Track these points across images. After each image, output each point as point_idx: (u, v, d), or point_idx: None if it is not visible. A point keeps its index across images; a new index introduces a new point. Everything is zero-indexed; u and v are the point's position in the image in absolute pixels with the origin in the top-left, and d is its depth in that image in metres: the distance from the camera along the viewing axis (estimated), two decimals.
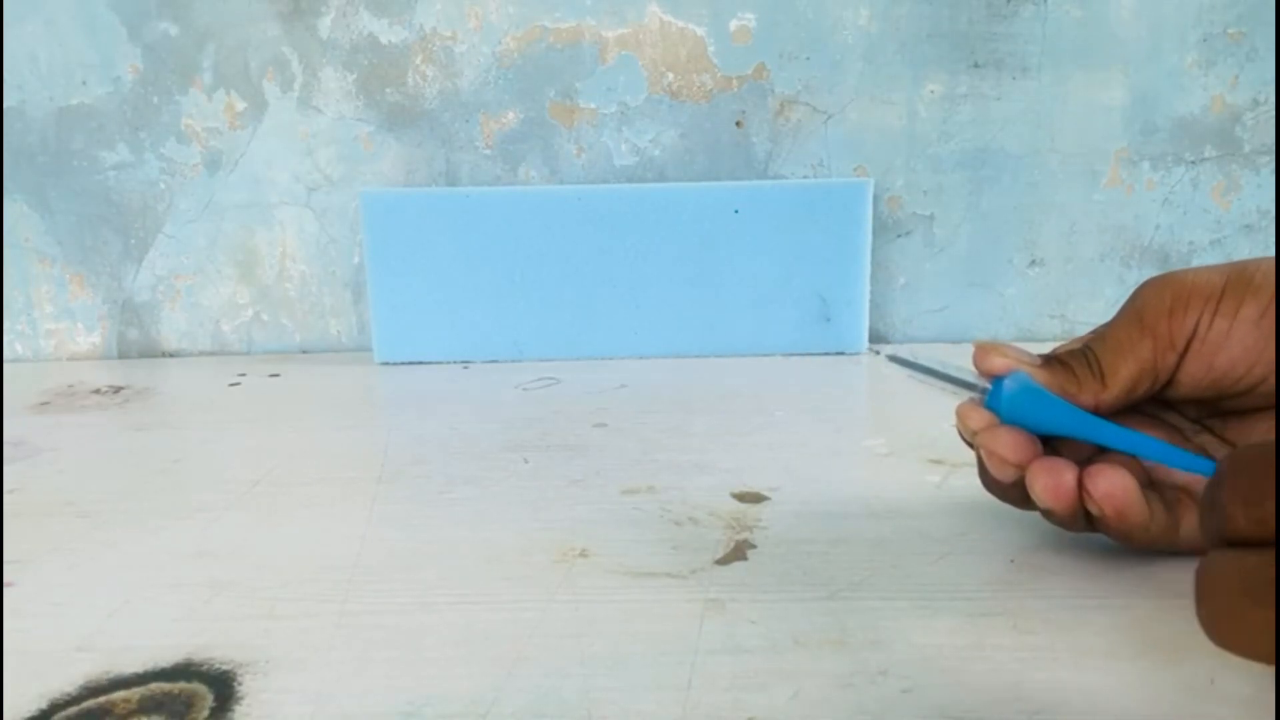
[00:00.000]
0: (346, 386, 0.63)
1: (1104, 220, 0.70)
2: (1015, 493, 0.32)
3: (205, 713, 0.25)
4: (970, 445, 0.33)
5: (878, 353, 0.32)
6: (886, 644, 0.28)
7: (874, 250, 0.68)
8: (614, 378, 0.62)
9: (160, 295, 0.73)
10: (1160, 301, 0.30)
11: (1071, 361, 0.32)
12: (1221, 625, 0.21)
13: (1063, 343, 0.34)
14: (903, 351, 0.35)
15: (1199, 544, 0.30)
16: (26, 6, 0.67)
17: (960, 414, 0.33)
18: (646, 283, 0.67)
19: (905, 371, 0.35)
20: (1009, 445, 0.31)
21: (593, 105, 0.68)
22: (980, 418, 0.32)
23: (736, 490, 0.40)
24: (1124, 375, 0.31)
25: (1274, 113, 0.67)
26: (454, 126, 0.69)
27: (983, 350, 0.33)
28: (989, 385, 0.32)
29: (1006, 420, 0.31)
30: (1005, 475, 0.31)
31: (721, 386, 0.59)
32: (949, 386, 0.34)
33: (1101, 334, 0.32)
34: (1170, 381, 0.31)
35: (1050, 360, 0.32)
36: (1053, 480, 0.30)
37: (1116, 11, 0.66)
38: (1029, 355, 0.32)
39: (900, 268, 0.71)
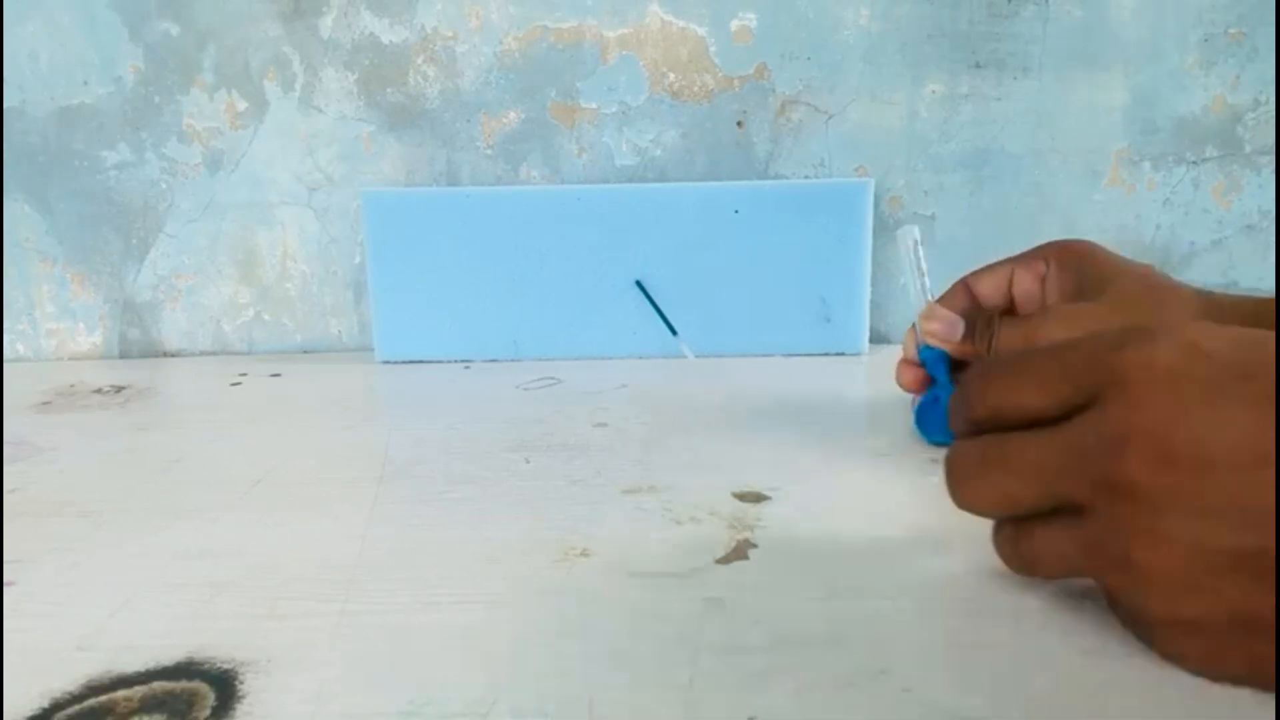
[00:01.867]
0: (347, 386, 0.63)
1: (1105, 220, 0.70)
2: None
3: (207, 711, 0.25)
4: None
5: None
6: (887, 643, 0.28)
7: (875, 250, 0.68)
8: (614, 377, 0.62)
9: (161, 295, 0.73)
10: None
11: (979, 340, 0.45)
12: (961, 491, 0.28)
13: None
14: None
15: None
16: (27, 6, 0.67)
17: (906, 341, 0.48)
18: (647, 283, 0.67)
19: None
20: (905, 375, 0.47)
21: (594, 105, 0.68)
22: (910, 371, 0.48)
23: (737, 490, 0.40)
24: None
25: (1274, 112, 0.67)
26: (455, 126, 0.69)
27: (924, 321, 0.46)
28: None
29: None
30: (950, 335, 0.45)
31: (722, 386, 0.59)
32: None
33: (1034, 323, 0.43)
34: None
35: (969, 335, 0.45)
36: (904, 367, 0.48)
37: (1117, 11, 0.66)
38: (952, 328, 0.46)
39: (901, 268, 0.71)
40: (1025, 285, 0.46)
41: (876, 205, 0.68)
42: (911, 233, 0.49)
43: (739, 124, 0.69)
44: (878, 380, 0.61)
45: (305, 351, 0.74)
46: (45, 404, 0.60)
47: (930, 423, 0.46)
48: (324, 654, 0.28)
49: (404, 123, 0.69)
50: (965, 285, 0.47)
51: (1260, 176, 0.69)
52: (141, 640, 0.29)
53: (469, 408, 0.56)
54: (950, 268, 0.71)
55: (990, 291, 0.46)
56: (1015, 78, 0.67)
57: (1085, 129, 0.68)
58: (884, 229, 0.69)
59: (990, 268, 0.47)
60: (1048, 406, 0.26)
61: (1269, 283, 0.70)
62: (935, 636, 0.28)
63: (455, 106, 0.69)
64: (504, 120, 0.69)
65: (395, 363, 0.68)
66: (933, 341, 0.45)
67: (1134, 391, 0.24)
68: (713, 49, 0.67)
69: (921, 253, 0.49)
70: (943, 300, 0.47)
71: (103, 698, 0.26)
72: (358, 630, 0.29)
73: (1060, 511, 0.26)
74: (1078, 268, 0.44)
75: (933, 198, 0.70)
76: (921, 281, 0.48)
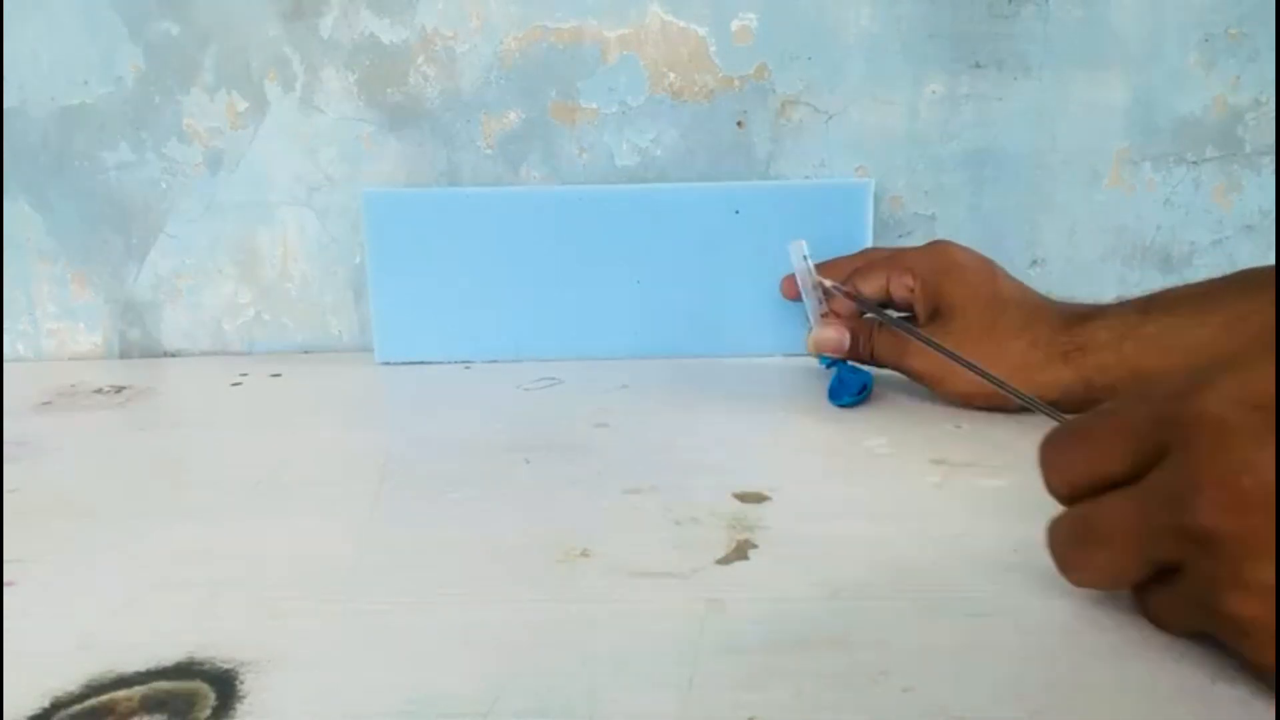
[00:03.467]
0: (348, 386, 0.63)
1: (1105, 220, 0.70)
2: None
3: (207, 711, 0.25)
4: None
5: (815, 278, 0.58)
6: (887, 644, 0.28)
7: None
8: (615, 378, 0.62)
9: (162, 295, 0.73)
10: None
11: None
12: (1069, 572, 0.29)
13: None
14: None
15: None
16: (28, 6, 0.67)
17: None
18: (647, 283, 0.67)
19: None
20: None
21: (594, 105, 0.68)
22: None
23: (738, 490, 0.40)
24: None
25: (1275, 113, 0.67)
26: (455, 126, 0.69)
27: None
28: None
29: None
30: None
31: (722, 387, 0.59)
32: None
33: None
34: None
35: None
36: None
37: (1118, 11, 0.66)
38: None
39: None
40: (900, 294, 0.53)
41: (877, 205, 0.68)
42: (800, 247, 0.57)
43: (739, 124, 0.69)
44: (878, 380, 0.61)
45: (305, 351, 0.74)
46: (45, 404, 0.60)
47: (837, 393, 0.54)
48: (324, 654, 0.28)
49: (404, 123, 0.69)
50: (853, 286, 0.55)
51: (1260, 177, 0.69)
52: (142, 640, 0.29)
53: (469, 408, 0.56)
54: None
55: (873, 292, 0.54)
56: (1015, 78, 0.67)
57: (1085, 129, 0.68)
58: (885, 229, 0.70)
59: (870, 268, 0.55)
60: (1122, 470, 0.26)
61: None
62: (935, 636, 0.28)
63: (455, 106, 0.69)
64: (504, 120, 0.69)
65: (395, 364, 0.68)
66: (825, 353, 0.56)
67: (1195, 444, 0.24)
68: (713, 49, 0.67)
69: (810, 264, 0.57)
70: (831, 304, 0.56)
71: (103, 697, 0.26)
72: (358, 630, 0.29)
73: (1168, 571, 0.26)
74: (935, 290, 0.51)
75: (933, 198, 0.70)
76: (815, 293, 0.57)
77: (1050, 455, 0.29)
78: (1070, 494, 0.28)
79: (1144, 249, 0.70)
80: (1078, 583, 0.29)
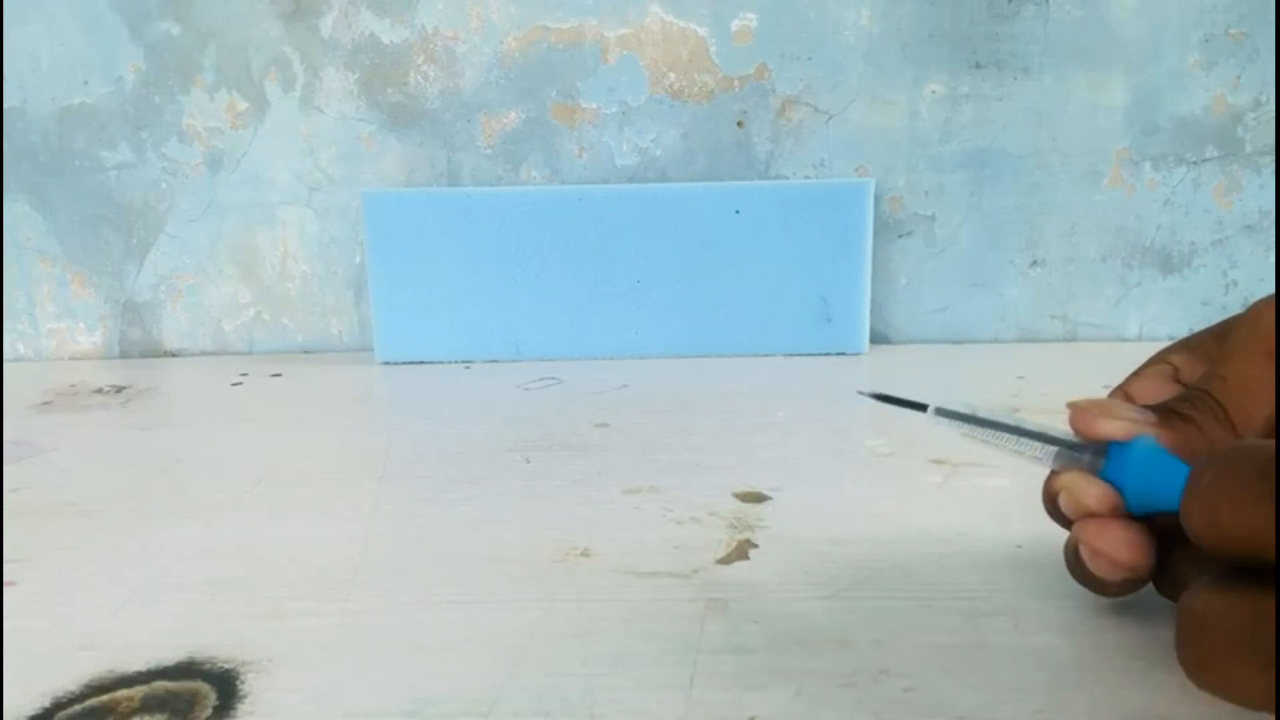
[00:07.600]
0: (348, 386, 0.63)
1: (1105, 220, 0.70)
2: (1116, 588, 0.27)
3: (208, 711, 0.25)
4: (1056, 518, 0.28)
5: (924, 408, 0.24)
6: (888, 643, 0.28)
7: (875, 250, 0.68)
8: (615, 378, 0.62)
9: (162, 295, 0.73)
10: None
11: (1195, 414, 0.25)
12: (1208, 677, 0.20)
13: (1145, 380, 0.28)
14: (956, 404, 0.29)
15: None
16: (28, 6, 0.67)
17: (1072, 487, 0.26)
18: (647, 283, 0.67)
19: (959, 429, 0.29)
20: (1124, 545, 0.25)
21: (594, 105, 0.68)
22: (1100, 495, 0.25)
23: (738, 490, 0.40)
24: (1259, 421, 0.24)
25: (1275, 113, 0.67)
26: (455, 126, 0.69)
27: (1086, 413, 0.26)
28: (1089, 449, 0.27)
29: (1134, 497, 0.25)
30: (1114, 575, 0.26)
31: (723, 386, 0.59)
32: (1026, 445, 0.28)
33: (1221, 375, 0.26)
34: None
35: (1168, 415, 0.26)
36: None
37: (1118, 12, 0.66)
38: (1141, 412, 0.26)
39: (901, 268, 0.71)
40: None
41: (877, 205, 0.68)
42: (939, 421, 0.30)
43: (739, 124, 0.69)
44: (878, 380, 0.61)
45: (305, 351, 0.74)
46: (45, 404, 0.60)
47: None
48: (325, 654, 0.28)
49: (404, 123, 0.69)
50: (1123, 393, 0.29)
51: (1260, 177, 0.69)
52: (143, 640, 0.29)
53: (469, 408, 0.56)
54: (950, 268, 0.71)
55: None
56: (1016, 78, 0.67)
57: (1085, 129, 0.68)
58: (884, 229, 0.70)
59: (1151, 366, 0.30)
60: None
61: (1269, 283, 0.70)
62: (935, 636, 0.28)
63: (455, 106, 0.69)
64: (504, 120, 0.69)
65: (396, 363, 0.68)
66: (1113, 426, 0.26)
67: None
68: (713, 49, 0.67)
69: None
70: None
71: (104, 697, 0.26)
72: (358, 630, 0.29)
73: None
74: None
75: (933, 198, 0.70)
76: (1020, 431, 0.28)
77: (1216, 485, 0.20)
78: (1216, 550, 0.20)
79: (1144, 249, 0.70)
80: (1227, 699, 0.20)
